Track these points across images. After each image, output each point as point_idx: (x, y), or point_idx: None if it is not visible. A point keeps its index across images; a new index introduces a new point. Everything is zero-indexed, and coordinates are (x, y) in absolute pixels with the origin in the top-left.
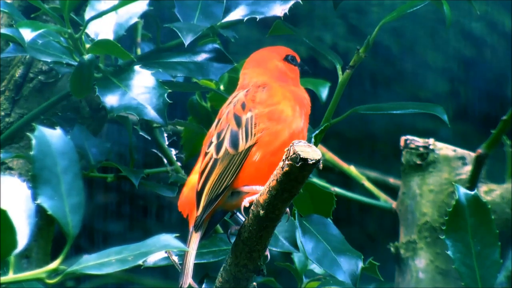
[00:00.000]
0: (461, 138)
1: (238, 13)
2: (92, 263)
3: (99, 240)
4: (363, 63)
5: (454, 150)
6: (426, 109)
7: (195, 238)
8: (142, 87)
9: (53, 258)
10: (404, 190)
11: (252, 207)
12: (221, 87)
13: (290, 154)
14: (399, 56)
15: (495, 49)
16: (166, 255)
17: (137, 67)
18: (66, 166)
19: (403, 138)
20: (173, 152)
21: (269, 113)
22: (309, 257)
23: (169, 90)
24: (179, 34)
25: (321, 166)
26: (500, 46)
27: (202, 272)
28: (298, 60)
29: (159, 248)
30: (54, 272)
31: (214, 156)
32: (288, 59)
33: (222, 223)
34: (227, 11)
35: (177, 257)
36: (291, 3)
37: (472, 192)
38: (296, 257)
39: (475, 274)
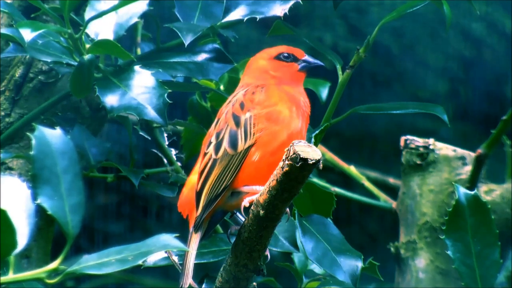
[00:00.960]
0: (461, 138)
1: (238, 13)
2: (92, 263)
3: (99, 240)
4: (363, 63)
5: (454, 150)
6: (426, 109)
7: (195, 239)
8: (142, 87)
9: (53, 258)
10: (404, 190)
11: (252, 207)
12: (221, 87)
13: (290, 154)
14: (399, 56)
15: (495, 49)
16: (166, 255)
17: (137, 67)
18: (66, 166)
19: (403, 138)
20: (173, 152)
21: (267, 114)
22: (309, 257)
23: (169, 90)
24: (179, 34)
25: (321, 166)
26: (500, 47)
27: (202, 272)
28: (301, 57)
29: (159, 248)
30: (54, 272)
31: (213, 156)
32: (280, 57)
33: (222, 223)
34: (227, 11)
35: (177, 257)
36: (291, 3)
37: (472, 192)
38: (296, 257)
39: (475, 274)
